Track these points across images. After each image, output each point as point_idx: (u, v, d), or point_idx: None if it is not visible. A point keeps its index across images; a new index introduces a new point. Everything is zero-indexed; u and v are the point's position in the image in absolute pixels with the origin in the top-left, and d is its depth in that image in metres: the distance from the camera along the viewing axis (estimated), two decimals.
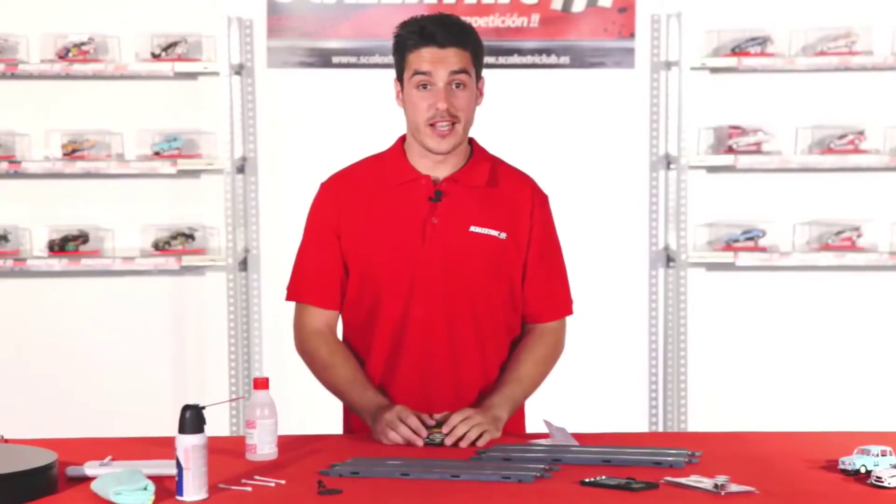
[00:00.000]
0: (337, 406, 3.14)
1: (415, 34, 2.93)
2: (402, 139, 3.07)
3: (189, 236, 5.24)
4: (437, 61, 2.91)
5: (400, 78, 2.98)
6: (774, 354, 5.42)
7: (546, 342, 3.06)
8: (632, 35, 5.31)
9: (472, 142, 3.08)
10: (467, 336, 2.97)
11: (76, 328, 5.38)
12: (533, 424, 3.08)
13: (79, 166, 5.15)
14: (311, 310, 3.04)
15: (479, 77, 2.99)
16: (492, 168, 3.05)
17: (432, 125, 2.92)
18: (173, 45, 5.18)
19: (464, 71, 2.93)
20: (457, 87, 2.93)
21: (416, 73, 2.92)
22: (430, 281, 2.96)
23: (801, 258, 5.21)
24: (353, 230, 3.00)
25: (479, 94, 3.01)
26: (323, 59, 5.32)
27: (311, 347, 3.03)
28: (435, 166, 3.00)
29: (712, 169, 5.34)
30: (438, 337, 2.96)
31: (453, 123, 2.93)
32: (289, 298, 3.10)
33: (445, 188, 2.99)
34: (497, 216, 3.00)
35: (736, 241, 5.25)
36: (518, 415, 3.10)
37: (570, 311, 3.11)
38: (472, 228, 2.99)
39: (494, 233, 3.00)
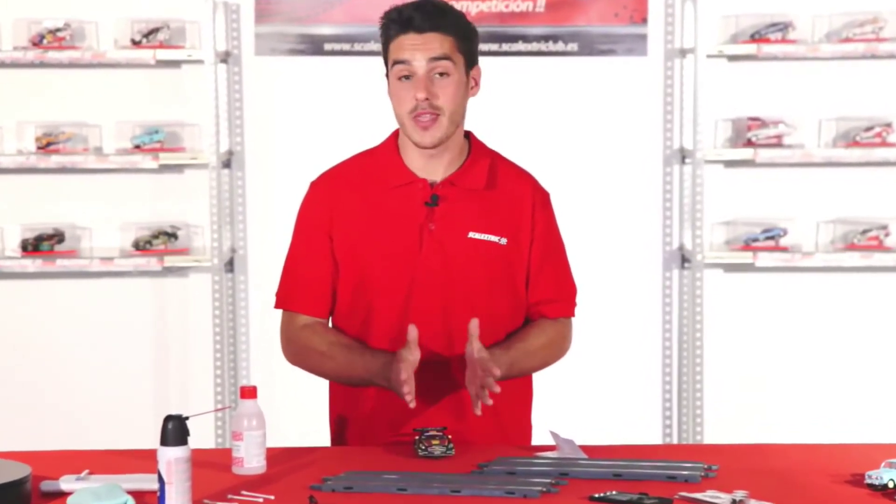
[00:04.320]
0: (328, 417, 3.14)
1: (394, 22, 2.95)
2: (396, 134, 3.07)
3: (172, 235, 5.25)
4: (415, 48, 2.92)
5: (387, 71, 2.99)
6: (796, 361, 5.42)
7: (556, 329, 3.08)
8: (644, 20, 5.31)
9: (470, 136, 3.08)
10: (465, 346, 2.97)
11: (51, 333, 5.38)
12: (539, 436, 3.08)
13: (54, 160, 5.15)
14: (301, 316, 3.05)
15: (471, 65, 2.99)
16: (491, 167, 3.05)
17: (415, 117, 2.93)
18: (155, 31, 5.18)
19: (445, 57, 2.92)
20: (440, 76, 2.92)
21: (396, 62, 2.93)
22: (429, 289, 2.97)
23: (825, 258, 5.21)
24: (346, 233, 3.01)
25: (475, 84, 3.01)
26: (314, 45, 5.32)
27: (303, 341, 3.02)
28: (429, 163, 3.00)
29: (730, 163, 5.34)
30: (437, 346, 2.95)
31: (437, 115, 2.93)
32: (278, 306, 3.10)
33: (442, 192, 3.00)
34: (497, 221, 3.01)
35: (755, 240, 5.25)
36: (522, 426, 3.11)
37: (572, 313, 3.13)
38: (471, 234, 2.99)
39: (494, 238, 3.00)
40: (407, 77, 2.93)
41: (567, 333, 3.12)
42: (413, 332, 2.84)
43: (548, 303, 3.07)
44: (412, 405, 2.80)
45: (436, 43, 2.92)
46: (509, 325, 3.04)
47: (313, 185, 3.09)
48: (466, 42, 2.97)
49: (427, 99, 2.91)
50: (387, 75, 2.99)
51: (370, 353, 2.96)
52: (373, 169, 3.04)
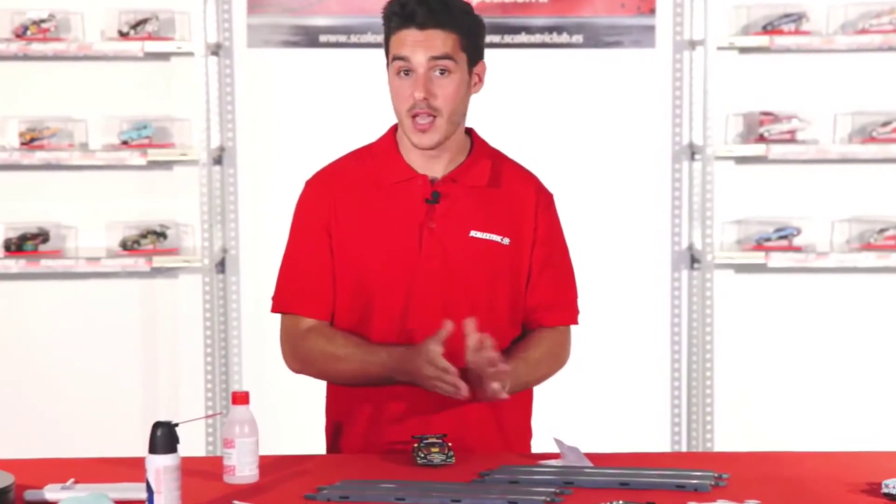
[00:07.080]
0: (323, 424, 3.14)
1: (396, 15, 2.93)
2: (394, 129, 3.07)
3: (161, 235, 5.24)
4: (416, 45, 2.90)
5: (387, 63, 2.98)
6: (810, 365, 5.42)
7: (554, 340, 3.06)
8: (652, 11, 5.31)
9: (471, 134, 3.08)
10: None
11: (35, 336, 5.38)
12: (542, 443, 3.08)
13: (38, 157, 5.14)
14: (305, 319, 3.02)
15: (475, 61, 2.98)
16: (493, 165, 3.05)
17: (413, 118, 2.92)
18: (143, 22, 5.18)
19: (447, 57, 2.91)
20: (440, 73, 2.92)
21: (395, 57, 2.93)
22: (429, 290, 2.97)
23: (840, 259, 5.21)
24: (344, 232, 3.00)
25: (478, 80, 3.01)
26: (309, 37, 5.32)
27: (310, 345, 2.99)
28: (429, 161, 3.00)
29: (741, 160, 5.34)
30: None
31: (435, 117, 2.92)
32: (276, 310, 3.07)
33: (443, 189, 3.00)
34: (499, 220, 3.01)
35: (767, 239, 5.25)
36: (523, 431, 3.11)
37: (575, 321, 3.12)
38: (473, 233, 2.99)
39: (496, 238, 3.00)
40: (406, 73, 2.92)
41: (565, 343, 3.10)
42: (449, 325, 2.83)
43: (546, 309, 3.06)
44: (464, 393, 2.81)
45: (438, 41, 2.91)
46: (509, 326, 3.04)
47: (309, 183, 3.08)
48: (471, 39, 2.96)
49: (425, 99, 2.90)
50: (388, 67, 2.98)
51: (385, 349, 2.94)
52: (371, 165, 3.04)
